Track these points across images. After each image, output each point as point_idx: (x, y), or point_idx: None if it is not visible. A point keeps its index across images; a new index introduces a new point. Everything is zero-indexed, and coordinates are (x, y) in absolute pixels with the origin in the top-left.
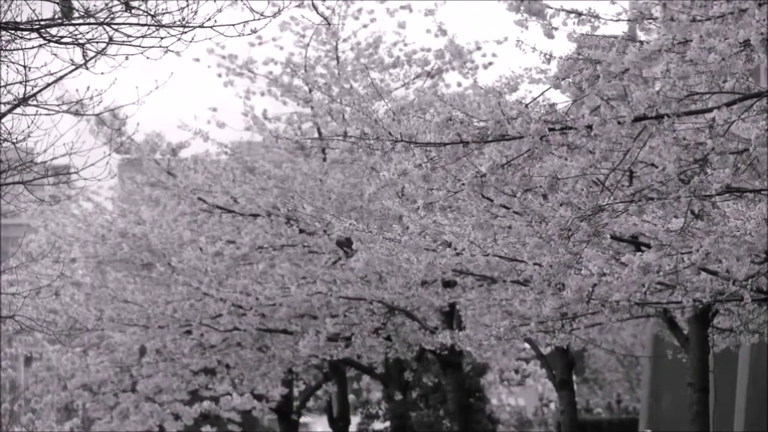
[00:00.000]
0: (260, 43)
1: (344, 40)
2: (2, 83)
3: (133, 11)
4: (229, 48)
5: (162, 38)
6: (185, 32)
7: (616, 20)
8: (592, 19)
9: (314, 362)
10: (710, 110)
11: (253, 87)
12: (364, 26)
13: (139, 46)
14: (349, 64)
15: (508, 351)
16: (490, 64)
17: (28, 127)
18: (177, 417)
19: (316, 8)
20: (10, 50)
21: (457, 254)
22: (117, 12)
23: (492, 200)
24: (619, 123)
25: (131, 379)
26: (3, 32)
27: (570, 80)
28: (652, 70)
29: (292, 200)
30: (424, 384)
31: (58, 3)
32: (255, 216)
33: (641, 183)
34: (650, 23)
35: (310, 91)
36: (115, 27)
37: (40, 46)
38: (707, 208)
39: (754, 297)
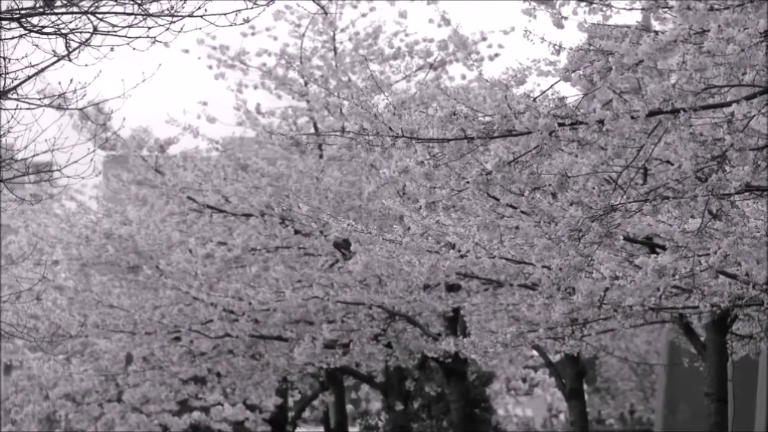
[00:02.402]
0: (253, 34)
1: (342, 30)
2: None
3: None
4: (220, 38)
5: (149, 28)
6: (174, 22)
7: (630, 9)
8: (604, 8)
9: (310, 371)
10: (729, 104)
11: (245, 80)
12: (363, 15)
13: (125, 36)
14: (347, 56)
15: (515, 359)
16: (497, 55)
17: (8, 122)
18: (165, 428)
19: None
20: None
21: (462, 256)
22: (102, 0)
23: (498, 199)
24: (632, 118)
25: (117, 388)
26: None
27: (581, 72)
28: (668, 61)
29: (287, 199)
30: (427, 393)
31: None
32: (248, 216)
33: (656, 181)
34: (665, 12)
35: (306, 84)
36: (100, 16)
37: (21, 36)
38: (726, 208)
39: None
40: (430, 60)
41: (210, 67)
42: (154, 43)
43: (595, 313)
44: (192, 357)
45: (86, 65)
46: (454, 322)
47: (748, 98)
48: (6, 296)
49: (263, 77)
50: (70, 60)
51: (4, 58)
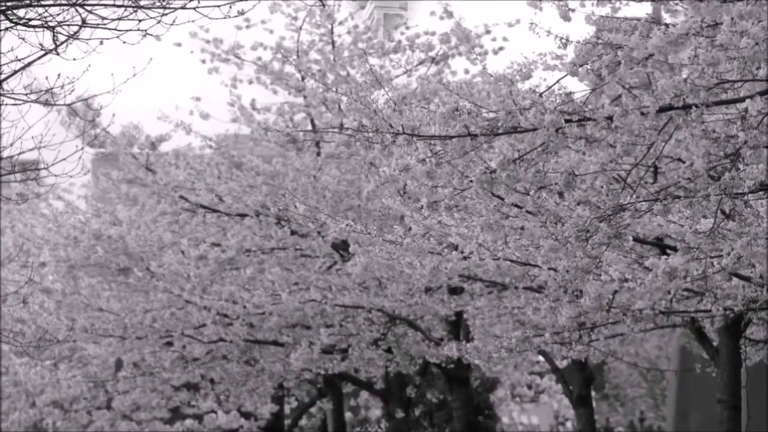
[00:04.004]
0: (248, 27)
1: (340, 23)
2: None
3: None
4: (213, 32)
5: (140, 21)
6: (166, 14)
7: (639, 1)
8: (613, 0)
9: (307, 377)
10: (742, 100)
11: (240, 74)
12: (362, 8)
13: (115, 29)
14: (346, 49)
15: (520, 364)
16: (501, 49)
17: None
18: None
19: None
20: None
21: (465, 258)
22: None
23: (503, 199)
24: (642, 114)
25: (106, 395)
26: None
27: (588, 67)
28: (679, 55)
29: (283, 199)
30: (428, 400)
31: None
32: (242, 216)
33: (667, 180)
34: (677, 4)
35: (303, 78)
36: (89, 8)
37: (6, 29)
38: (739, 208)
39: None
40: (432, 54)
41: (203, 62)
42: (145, 36)
43: (604, 317)
44: (184, 362)
45: (74, 59)
46: (457, 327)
47: (763, 93)
48: None
49: (258, 72)
50: (57, 54)
51: None
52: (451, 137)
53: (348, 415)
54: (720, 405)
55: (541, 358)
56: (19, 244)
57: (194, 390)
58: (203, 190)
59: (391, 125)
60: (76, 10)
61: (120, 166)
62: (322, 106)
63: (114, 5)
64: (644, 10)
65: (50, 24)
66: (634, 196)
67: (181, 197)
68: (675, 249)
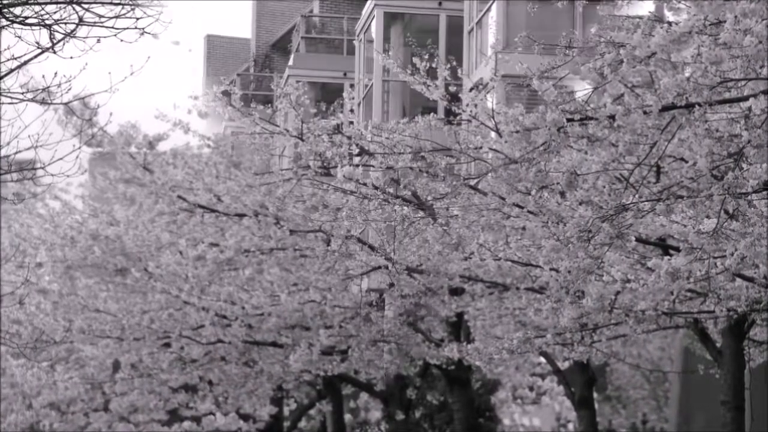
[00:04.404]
0: None
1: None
2: None
3: None
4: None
5: (138, 19)
6: (163, 12)
7: None
8: None
9: (306, 378)
10: (746, 98)
11: None
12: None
13: (113, 27)
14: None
15: (521, 366)
16: None
17: None
18: None
19: None
20: None
21: (466, 258)
22: None
23: (504, 198)
24: (644, 113)
25: (103, 397)
26: None
27: (591, 65)
28: (682, 54)
29: (282, 199)
30: (429, 402)
31: None
32: (241, 216)
33: (669, 179)
34: (679, 2)
35: None
36: (86, 6)
37: (3, 27)
38: (743, 208)
39: None
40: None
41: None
42: (142, 34)
43: (606, 318)
44: (182, 364)
45: (71, 58)
46: (458, 328)
47: (766, 92)
48: None
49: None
50: (54, 52)
51: None
52: None
53: (347, 417)
54: (723, 406)
55: (542, 359)
56: (15, 244)
57: (192, 391)
58: (201, 190)
59: None
60: (73, 8)
61: (117, 165)
62: None
63: (111, 3)
64: (647, 8)
65: (47, 22)
66: (636, 195)
67: (179, 197)
68: (678, 249)
